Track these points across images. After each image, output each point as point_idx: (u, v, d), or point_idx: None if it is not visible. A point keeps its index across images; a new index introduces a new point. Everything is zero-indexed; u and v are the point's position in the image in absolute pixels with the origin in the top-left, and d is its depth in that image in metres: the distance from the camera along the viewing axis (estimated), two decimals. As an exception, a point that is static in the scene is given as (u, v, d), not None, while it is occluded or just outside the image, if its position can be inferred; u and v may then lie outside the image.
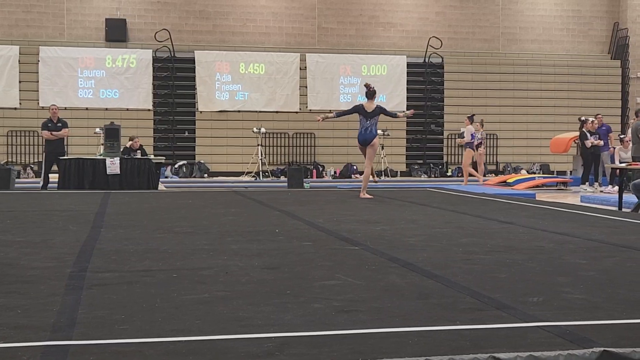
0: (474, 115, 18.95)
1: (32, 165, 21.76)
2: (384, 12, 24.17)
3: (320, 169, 23.24)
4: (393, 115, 12.82)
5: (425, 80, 24.19)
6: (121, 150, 16.06)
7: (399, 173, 23.25)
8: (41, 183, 15.74)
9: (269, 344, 3.11)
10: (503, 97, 24.58)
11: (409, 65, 23.98)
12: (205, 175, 22.59)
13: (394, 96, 23.74)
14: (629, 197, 12.06)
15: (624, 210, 11.37)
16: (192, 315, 3.63)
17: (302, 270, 4.97)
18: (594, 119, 18.03)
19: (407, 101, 23.55)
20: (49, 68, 22.05)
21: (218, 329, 3.38)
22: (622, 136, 18.52)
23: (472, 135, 18.21)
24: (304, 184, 17.65)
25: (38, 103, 21.90)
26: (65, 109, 20.81)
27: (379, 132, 13.11)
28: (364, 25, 24.13)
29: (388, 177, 22.15)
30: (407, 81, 23.94)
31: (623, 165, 13.06)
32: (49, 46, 22.15)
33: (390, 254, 5.69)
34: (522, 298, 4.06)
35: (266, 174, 22.00)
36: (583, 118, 18.20)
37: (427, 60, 24.19)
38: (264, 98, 23.23)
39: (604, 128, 18.18)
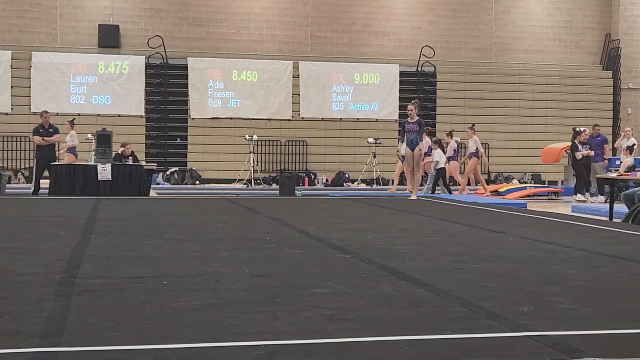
0: (474, 125, 19.16)
1: (23, 171, 21.69)
2: (377, 21, 24.22)
3: (312, 176, 23.24)
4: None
5: (418, 89, 24.23)
6: (113, 156, 16.02)
7: (390, 181, 23.26)
8: (32, 189, 15.68)
9: (258, 352, 3.10)
10: (495, 107, 24.64)
11: (401, 74, 24.02)
12: (197, 182, 22.55)
13: (386, 105, 23.79)
14: (620, 208, 12.10)
15: (614, 220, 11.39)
16: (182, 323, 3.61)
17: (292, 278, 4.96)
18: (586, 129, 18.01)
19: (399, 110, 23.56)
20: (41, 73, 22.00)
21: (208, 336, 3.36)
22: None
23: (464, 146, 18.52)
24: (296, 191, 17.64)
25: (30, 108, 21.84)
26: (57, 114, 20.76)
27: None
28: (357, 33, 24.17)
29: (380, 185, 22.16)
30: (400, 90, 23.97)
31: (614, 175, 13.09)
32: (41, 51, 22.11)
33: (381, 262, 5.68)
34: (513, 307, 4.06)
35: (258, 181, 21.99)
36: (577, 129, 18.19)
37: (419, 69, 24.25)
38: (257, 105, 23.23)
39: (599, 139, 18.15)
